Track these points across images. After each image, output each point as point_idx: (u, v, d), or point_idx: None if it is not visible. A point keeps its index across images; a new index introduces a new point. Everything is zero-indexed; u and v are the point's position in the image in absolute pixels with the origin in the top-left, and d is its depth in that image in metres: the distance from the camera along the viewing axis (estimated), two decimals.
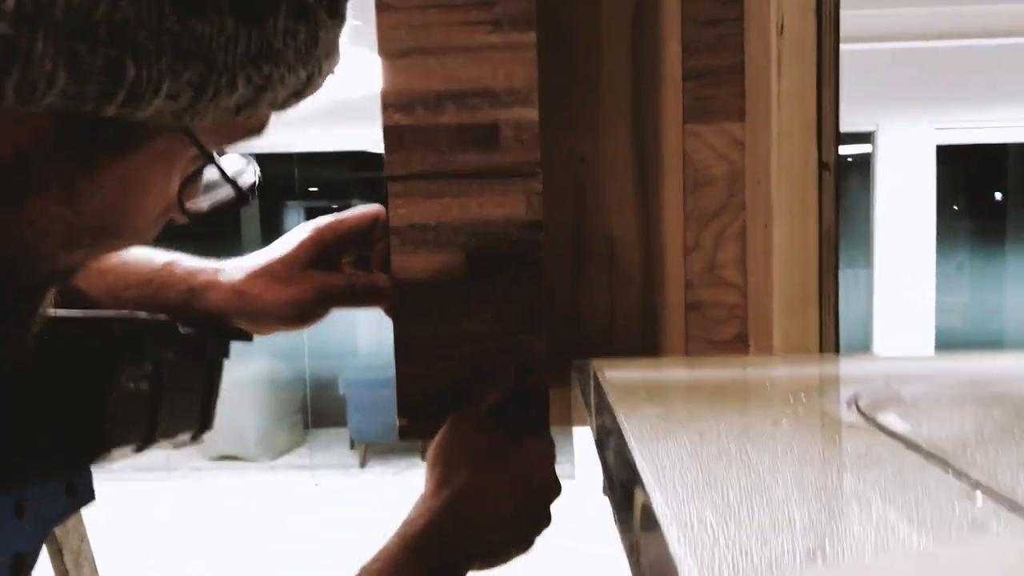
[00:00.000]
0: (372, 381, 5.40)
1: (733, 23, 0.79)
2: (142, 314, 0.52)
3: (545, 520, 0.60)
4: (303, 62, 0.41)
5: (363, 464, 5.57)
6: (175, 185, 0.44)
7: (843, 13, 0.75)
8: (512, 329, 0.64)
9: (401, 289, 0.64)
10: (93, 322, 0.51)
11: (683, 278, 0.80)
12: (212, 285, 0.64)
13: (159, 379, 0.57)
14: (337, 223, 0.65)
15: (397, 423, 0.65)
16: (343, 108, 3.24)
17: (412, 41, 0.64)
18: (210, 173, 0.48)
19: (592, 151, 0.79)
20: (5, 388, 0.50)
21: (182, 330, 0.59)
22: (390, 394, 0.65)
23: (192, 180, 0.45)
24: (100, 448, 0.53)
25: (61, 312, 0.50)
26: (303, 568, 3.69)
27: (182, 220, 0.46)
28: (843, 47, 0.74)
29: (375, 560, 0.55)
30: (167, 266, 0.65)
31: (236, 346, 0.67)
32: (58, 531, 0.66)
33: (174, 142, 0.41)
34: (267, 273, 0.64)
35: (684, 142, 0.79)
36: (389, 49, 0.64)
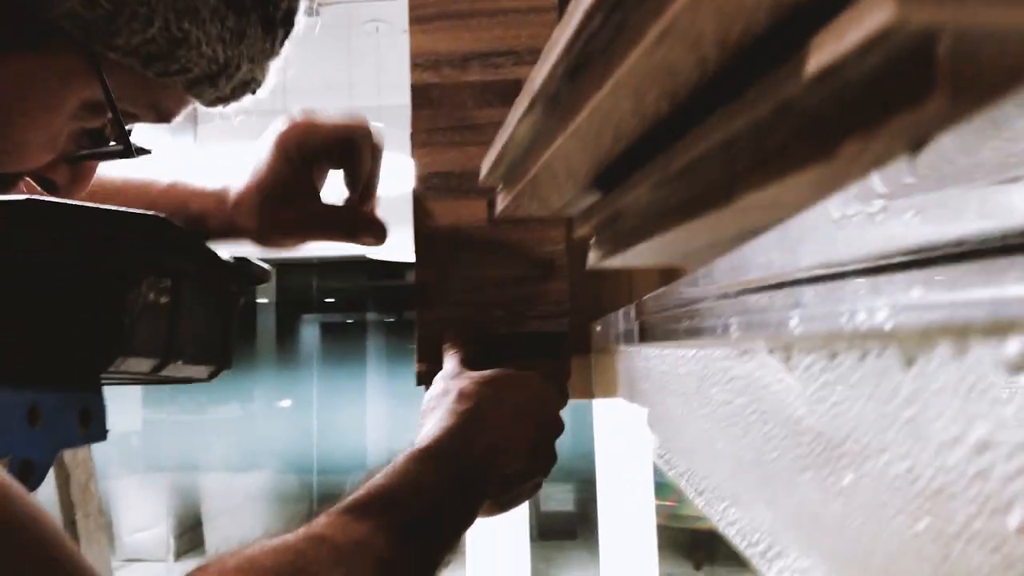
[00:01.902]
0: None
1: None
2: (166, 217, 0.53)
3: (552, 456, 0.58)
4: (223, 44, 0.43)
5: None
6: (63, 123, 0.44)
7: None
8: (533, 276, 0.64)
9: (370, 223, 0.63)
10: (117, 215, 0.52)
11: None
12: (209, 214, 0.64)
13: (179, 296, 0.57)
14: (308, 131, 0.63)
15: (416, 368, 0.64)
16: None
17: (439, 7, 0.68)
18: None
19: None
20: (18, 279, 0.50)
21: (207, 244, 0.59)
22: None
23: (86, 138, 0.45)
24: (117, 352, 0.52)
25: (87, 203, 0.51)
26: None
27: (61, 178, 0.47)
28: None
29: (382, 473, 0.48)
30: (171, 188, 0.65)
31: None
32: (68, 460, 0.64)
33: (77, 67, 0.41)
34: (252, 199, 0.63)
35: None
36: (419, 15, 0.68)
